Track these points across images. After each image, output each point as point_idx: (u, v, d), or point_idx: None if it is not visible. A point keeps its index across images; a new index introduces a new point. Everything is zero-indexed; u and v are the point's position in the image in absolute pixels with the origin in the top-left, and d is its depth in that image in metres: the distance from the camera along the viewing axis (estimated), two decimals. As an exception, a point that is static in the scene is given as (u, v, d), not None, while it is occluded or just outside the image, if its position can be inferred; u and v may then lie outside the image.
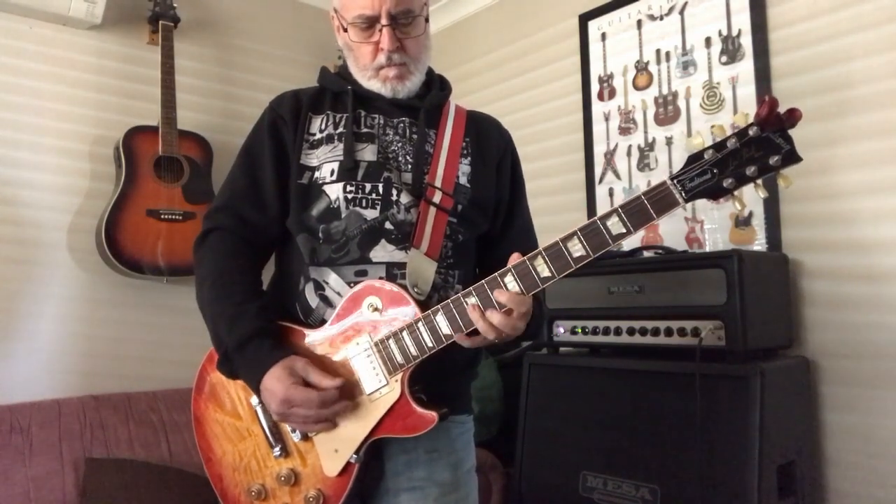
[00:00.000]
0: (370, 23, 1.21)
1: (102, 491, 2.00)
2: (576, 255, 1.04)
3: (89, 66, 2.57)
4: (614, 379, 1.97)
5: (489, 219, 1.33)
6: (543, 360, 2.19)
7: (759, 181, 0.98)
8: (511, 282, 1.07)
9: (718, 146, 0.97)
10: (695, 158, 0.99)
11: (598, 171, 2.56)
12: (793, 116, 0.94)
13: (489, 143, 1.35)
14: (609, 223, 1.02)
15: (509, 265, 1.08)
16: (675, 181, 0.99)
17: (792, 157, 0.95)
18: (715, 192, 0.98)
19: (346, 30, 1.25)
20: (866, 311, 1.88)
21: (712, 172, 0.97)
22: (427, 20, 1.28)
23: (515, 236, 1.35)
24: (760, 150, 0.95)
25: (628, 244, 2.22)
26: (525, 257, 1.07)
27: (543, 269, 1.05)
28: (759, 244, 2.09)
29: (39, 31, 2.47)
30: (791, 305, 1.99)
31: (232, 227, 1.25)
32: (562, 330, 2.16)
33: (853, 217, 1.91)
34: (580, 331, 2.10)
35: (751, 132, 0.96)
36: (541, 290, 1.08)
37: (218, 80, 2.87)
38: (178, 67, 2.57)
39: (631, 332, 1.98)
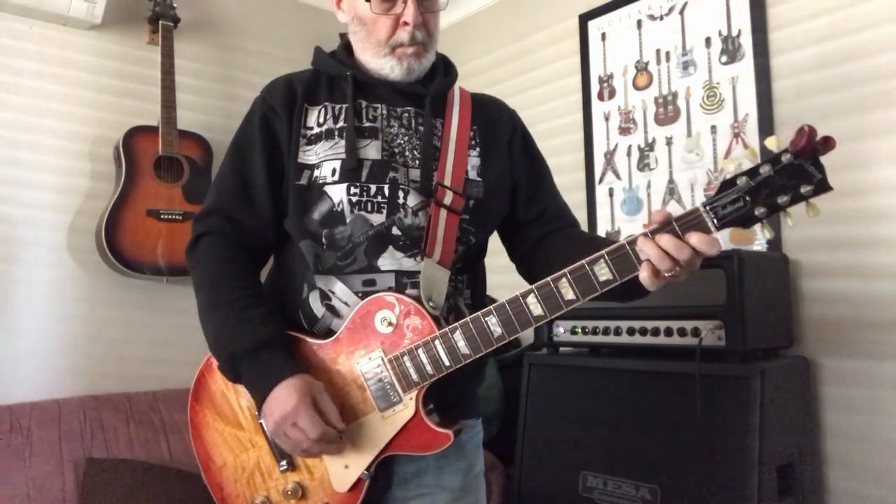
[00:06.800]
0: None
1: (102, 491, 2.00)
2: (602, 279, 1.01)
3: (89, 66, 2.57)
4: (614, 379, 1.97)
5: (505, 208, 1.27)
6: (543, 360, 2.19)
7: (789, 209, 0.94)
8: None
9: (752, 173, 0.93)
10: (728, 185, 0.95)
11: (598, 171, 2.56)
12: (827, 144, 0.90)
13: (498, 128, 1.28)
14: (637, 247, 0.98)
15: (538, 282, 1.03)
16: (707, 208, 0.95)
17: (823, 187, 0.91)
18: (746, 221, 0.95)
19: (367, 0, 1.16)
20: (866, 311, 1.88)
21: (745, 200, 0.94)
22: None
23: (547, 216, 1.29)
24: (793, 178, 0.91)
25: (628, 244, 2.22)
26: (549, 278, 1.02)
27: (568, 292, 1.02)
28: (759, 244, 2.09)
29: (39, 31, 2.46)
30: (791, 305, 1.99)
31: (224, 230, 1.19)
32: (562, 330, 2.16)
33: (853, 217, 1.91)
34: (580, 331, 2.10)
35: (784, 159, 0.92)
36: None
37: (218, 80, 2.88)
38: (178, 67, 2.57)
39: (631, 332, 1.98)
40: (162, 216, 2.45)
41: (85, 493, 2.00)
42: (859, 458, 1.88)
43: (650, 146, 2.41)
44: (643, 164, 2.43)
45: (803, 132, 0.90)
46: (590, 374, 2.03)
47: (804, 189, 0.92)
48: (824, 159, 0.92)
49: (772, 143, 0.93)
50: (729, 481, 1.67)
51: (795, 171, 0.92)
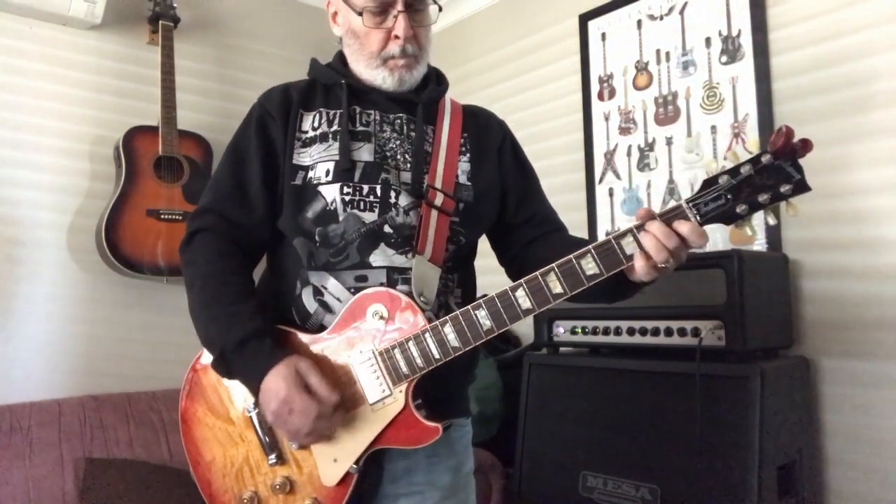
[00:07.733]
0: (384, 7, 1.18)
1: (102, 491, 2.01)
2: (589, 273, 1.04)
3: (89, 66, 2.57)
4: (614, 379, 1.97)
5: (495, 212, 1.31)
6: (543, 360, 2.19)
7: (770, 208, 0.99)
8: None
9: (733, 172, 0.98)
10: (710, 183, 0.99)
11: (598, 171, 2.56)
12: (805, 147, 0.95)
13: (487, 136, 1.33)
14: (623, 242, 1.02)
15: (532, 274, 1.05)
16: (690, 204, 1.00)
17: (802, 187, 0.96)
18: (728, 218, 0.99)
19: (360, 14, 1.19)
20: (866, 311, 1.88)
21: (726, 198, 0.98)
22: (441, 9, 1.26)
23: (536, 220, 1.33)
24: (773, 178, 0.97)
25: (628, 244, 2.22)
26: (538, 272, 1.05)
27: (556, 286, 1.04)
28: (759, 244, 2.09)
29: (39, 31, 2.47)
30: (791, 305, 1.99)
31: (218, 228, 1.20)
32: (562, 330, 2.16)
33: (853, 217, 1.91)
34: (580, 331, 2.10)
35: (764, 159, 0.96)
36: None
37: (218, 80, 2.88)
38: (178, 67, 2.57)
39: (631, 332, 1.98)
40: (162, 216, 2.45)
41: (85, 493, 2.00)
42: (859, 458, 1.88)
43: (650, 146, 2.41)
44: (643, 164, 2.43)
45: (781, 133, 0.95)
46: (590, 374, 2.03)
47: (784, 188, 0.96)
48: (809, 159, 0.96)
49: (752, 146, 0.98)
50: (729, 481, 1.67)
51: (775, 171, 0.97)
